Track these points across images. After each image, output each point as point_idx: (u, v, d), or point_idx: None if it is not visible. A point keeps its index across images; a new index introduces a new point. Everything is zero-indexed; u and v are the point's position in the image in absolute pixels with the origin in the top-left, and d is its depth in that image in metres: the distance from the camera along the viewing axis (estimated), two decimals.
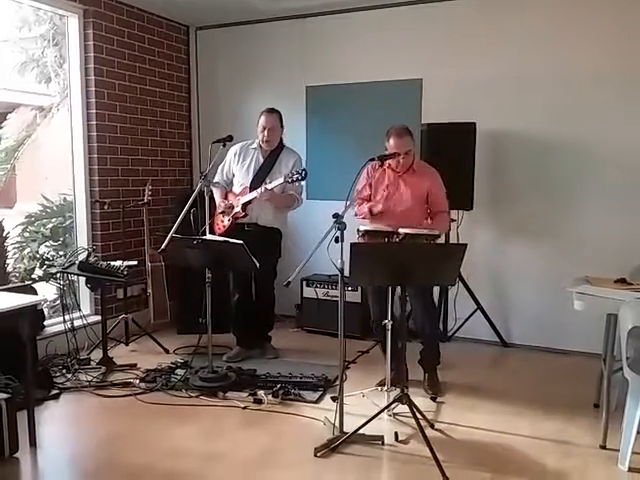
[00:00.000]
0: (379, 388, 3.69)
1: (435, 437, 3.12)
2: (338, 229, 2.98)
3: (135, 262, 4.55)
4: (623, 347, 2.82)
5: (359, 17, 5.10)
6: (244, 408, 3.55)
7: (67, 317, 4.20)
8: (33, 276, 5.57)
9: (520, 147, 4.67)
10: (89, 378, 3.96)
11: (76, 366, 4.12)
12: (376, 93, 5.07)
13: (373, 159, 3.48)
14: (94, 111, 4.81)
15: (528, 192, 4.70)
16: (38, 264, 5.74)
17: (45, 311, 4.59)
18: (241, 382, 3.87)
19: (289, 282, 2.98)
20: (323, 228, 3.06)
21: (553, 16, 4.47)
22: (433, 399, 3.68)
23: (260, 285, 4.43)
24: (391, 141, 3.64)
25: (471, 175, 4.53)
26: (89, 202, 4.89)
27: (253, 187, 4.20)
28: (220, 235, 4.17)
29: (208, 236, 3.98)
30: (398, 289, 3.33)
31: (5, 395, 2.99)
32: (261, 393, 3.68)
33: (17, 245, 5.84)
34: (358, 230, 3.52)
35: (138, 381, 3.91)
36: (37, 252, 5.82)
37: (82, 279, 4.66)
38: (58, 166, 5.39)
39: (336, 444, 3.00)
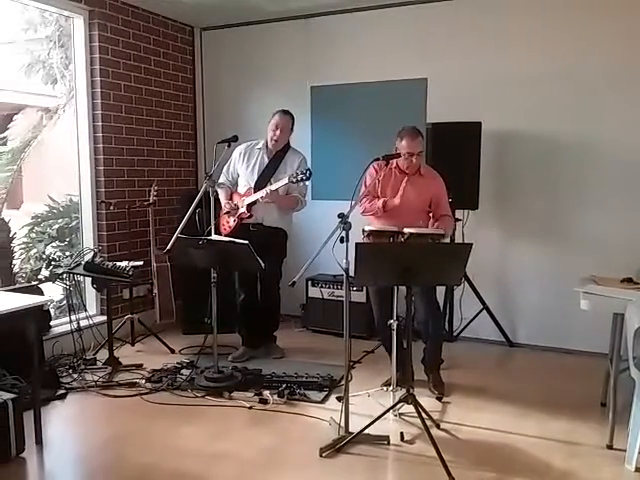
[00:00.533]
0: (385, 388, 3.68)
1: (441, 437, 3.12)
2: (343, 229, 2.98)
3: (141, 262, 4.56)
4: (629, 347, 2.81)
5: (363, 17, 5.09)
6: (250, 408, 3.55)
7: (73, 317, 4.22)
8: (39, 277, 5.60)
9: (525, 147, 4.66)
10: (95, 378, 3.97)
11: (82, 366, 4.15)
12: (381, 93, 5.06)
13: (378, 159, 3.47)
14: (100, 112, 4.83)
15: (534, 191, 4.68)
16: (44, 265, 5.77)
17: (51, 311, 4.60)
18: (247, 382, 3.87)
19: (294, 282, 2.98)
20: (328, 228, 3.06)
21: (558, 16, 4.45)
22: (439, 399, 3.68)
23: (265, 285, 4.43)
24: (404, 142, 3.62)
25: (476, 175, 4.52)
26: (95, 203, 4.90)
27: (258, 187, 4.21)
28: (226, 235, 4.17)
29: (213, 236, 3.98)
30: (402, 289, 3.33)
31: (12, 395, 3.00)
32: (267, 393, 3.69)
33: (23, 246, 5.87)
34: (363, 230, 3.51)
35: (144, 381, 3.92)
36: (43, 253, 5.84)
37: (88, 279, 4.68)
38: (64, 167, 5.41)
39: (342, 444, 3.00)
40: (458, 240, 4.61)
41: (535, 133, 4.60)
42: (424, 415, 3.12)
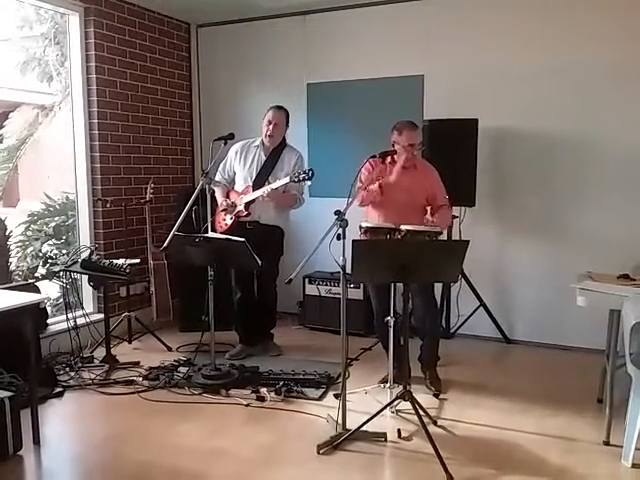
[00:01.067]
0: (382, 385, 3.69)
1: (438, 434, 3.13)
2: (340, 226, 2.98)
3: (137, 260, 4.56)
4: (626, 343, 2.81)
5: (360, 14, 5.08)
6: (247, 405, 3.55)
7: (70, 315, 4.22)
8: (36, 274, 5.59)
9: (522, 144, 4.66)
10: (92, 376, 3.97)
11: (79, 364, 4.14)
12: (377, 90, 5.06)
13: (374, 156, 3.48)
14: (95, 109, 4.82)
15: (530, 188, 4.69)
16: (41, 262, 5.76)
17: (48, 309, 4.60)
18: (244, 379, 3.87)
19: (291, 279, 2.98)
20: (325, 225, 3.06)
21: (556, 12, 4.45)
22: (436, 396, 3.68)
23: (262, 283, 4.43)
24: (404, 134, 3.63)
25: (473, 171, 4.52)
26: (91, 200, 4.89)
27: (256, 185, 4.20)
28: (222, 233, 4.17)
29: (210, 234, 3.98)
30: (400, 285, 3.34)
31: (9, 393, 2.99)
32: (264, 390, 3.69)
33: (20, 244, 5.86)
34: (360, 227, 3.51)
35: (141, 379, 3.92)
36: (40, 250, 5.83)
37: (85, 277, 4.66)
38: (60, 165, 5.41)
39: (339, 441, 3.01)
40: (455, 237, 4.62)
41: (532, 130, 4.61)
42: (421, 412, 3.13)
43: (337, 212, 3.01)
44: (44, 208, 5.97)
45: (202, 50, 5.84)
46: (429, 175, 3.76)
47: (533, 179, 4.68)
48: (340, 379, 3.33)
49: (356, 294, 4.83)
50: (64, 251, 5.72)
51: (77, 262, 4.19)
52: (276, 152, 4.31)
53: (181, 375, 3.93)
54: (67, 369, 4.07)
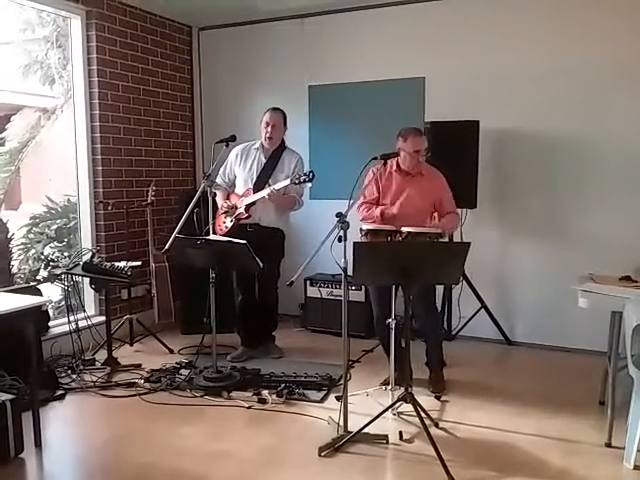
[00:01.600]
0: (384, 387, 3.69)
1: (439, 436, 3.12)
2: (341, 228, 2.98)
3: (139, 263, 4.57)
4: (628, 345, 2.81)
5: (361, 16, 5.09)
6: (248, 408, 3.55)
7: (72, 318, 4.22)
8: (38, 277, 5.59)
9: (524, 145, 4.66)
10: (94, 378, 3.97)
11: (81, 366, 4.14)
12: (379, 92, 5.06)
13: (375, 158, 3.48)
14: (97, 112, 4.83)
15: (532, 190, 4.69)
16: (43, 265, 5.76)
17: (50, 312, 4.59)
18: (245, 382, 3.87)
19: (292, 282, 2.98)
20: (326, 227, 3.06)
21: (557, 14, 4.45)
22: (437, 398, 3.68)
23: (263, 285, 4.43)
24: (409, 141, 3.61)
25: (475, 173, 4.53)
26: (93, 203, 4.90)
27: (257, 188, 4.21)
28: (222, 236, 4.17)
29: (212, 236, 3.98)
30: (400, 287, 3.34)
31: (10, 396, 3.00)
32: (265, 393, 3.69)
33: (22, 246, 5.86)
34: (361, 229, 3.52)
35: (143, 381, 3.93)
36: (42, 253, 5.83)
37: (86, 280, 4.66)
38: (62, 167, 5.41)
39: (340, 443, 3.01)
40: (456, 239, 4.62)
41: (534, 131, 4.61)
42: (423, 414, 3.12)
43: (338, 214, 3.01)
44: (46, 211, 5.97)
45: (203, 53, 5.85)
46: (436, 181, 3.73)
47: (535, 181, 4.67)
48: (342, 381, 3.33)
49: (357, 296, 4.83)
50: (66, 254, 5.72)
51: (79, 265, 4.19)
52: (276, 154, 4.32)
53: (183, 377, 3.94)
54: (69, 372, 4.08)
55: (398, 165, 3.70)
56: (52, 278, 5.24)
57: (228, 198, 4.38)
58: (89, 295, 4.94)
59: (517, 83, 4.61)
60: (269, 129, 4.24)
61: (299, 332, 5.21)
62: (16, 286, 4.67)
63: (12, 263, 5.58)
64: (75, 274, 4.25)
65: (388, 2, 4.96)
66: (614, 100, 4.35)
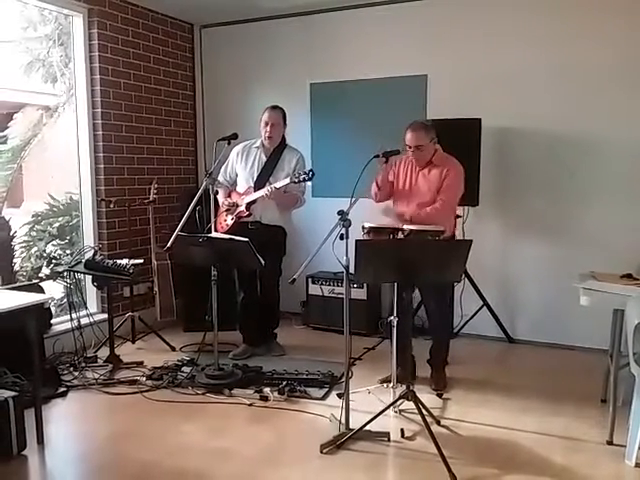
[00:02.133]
0: (385, 385, 3.69)
1: (441, 433, 3.13)
2: (343, 226, 2.99)
3: (141, 260, 4.57)
4: (630, 342, 2.81)
5: (363, 14, 5.08)
6: (250, 405, 3.56)
7: (74, 315, 4.23)
8: (40, 275, 5.60)
9: (525, 143, 4.65)
10: (96, 376, 3.98)
11: (83, 364, 4.15)
12: (381, 90, 5.06)
13: (377, 156, 3.48)
14: (99, 110, 4.83)
15: (534, 188, 4.68)
16: (45, 263, 5.77)
17: (52, 309, 4.60)
18: (247, 379, 3.87)
19: (294, 279, 2.99)
20: (328, 225, 3.07)
21: (560, 12, 4.44)
22: (439, 395, 3.68)
23: (265, 283, 4.44)
24: (407, 135, 3.66)
25: (477, 171, 4.51)
26: (95, 201, 4.91)
27: (257, 186, 4.21)
28: (224, 234, 4.17)
29: (214, 234, 3.99)
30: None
31: (13, 393, 3.01)
32: (267, 390, 3.69)
33: (24, 244, 5.87)
34: (363, 227, 3.52)
35: (145, 378, 3.93)
36: (44, 251, 5.84)
37: (89, 277, 4.68)
38: (64, 165, 5.41)
39: (342, 441, 3.01)
40: (458, 236, 4.61)
41: (535, 129, 4.60)
42: (424, 412, 3.12)
43: (340, 212, 3.02)
44: (48, 208, 5.97)
45: (205, 51, 5.85)
46: (443, 171, 3.67)
47: (537, 178, 4.67)
48: (343, 379, 3.34)
49: (359, 294, 4.84)
50: (68, 251, 5.73)
51: (81, 262, 4.21)
52: (277, 152, 4.32)
53: (185, 375, 3.94)
54: (71, 369, 4.09)
55: None
56: (54, 276, 5.27)
57: (229, 196, 4.39)
58: (91, 293, 4.94)
59: (519, 81, 4.60)
60: (268, 128, 4.24)
61: (301, 330, 5.22)
62: (18, 284, 4.68)
63: (14, 261, 5.59)
64: (77, 272, 4.25)
65: (390, 0, 4.94)
66: (616, 99, 4.34)
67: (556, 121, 4.54)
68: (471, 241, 2.93)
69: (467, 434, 3.20)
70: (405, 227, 3.41)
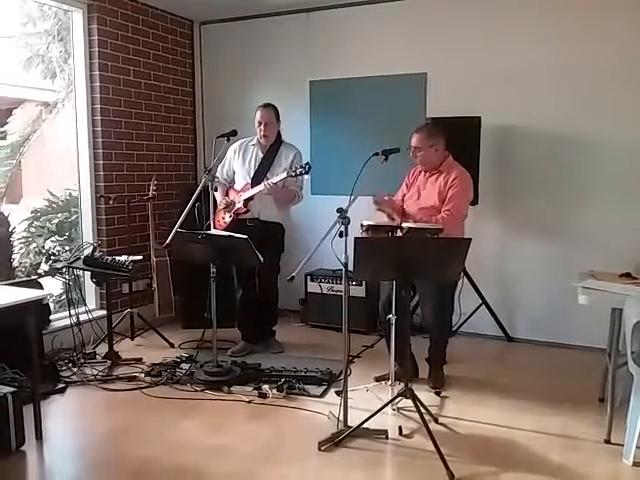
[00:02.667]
0: (383, 382, 3.70)
1: (439, 431, 3.13)
2: (342, 224, 2.99)
3: (140, 257, 4.57)
4: (628, 341, 2.81)
5: (363, 11, 5.08)
6: (249, 402, 3.56)
7: (73, 311, 4.22)
8: (39, 271, 5.59)
9: (525, 142, 4.65)
10: (95, 372, 3.98)
11: (82, 360, 4.16)
12: (380, 87, 5.05)
13: (377, 154, 3.48)
14: (99, 106, 4.82)
15: (533, 187, 4.68)
16: (44, 259, 5.76)
17: (51, 306, 4.60)
18: (246, 376, 3.88)
19: (293, 277, 2.99)
20: (327, 223, 3.07)
21: (561, 11, 4.44)
22: (437, 393, 3.68)
23: (263, 280, 4.44)
24: (412, 137, 3.71)
25: (476, 170, 4.50)
26: (94, 197, 4.90)
27: (255, 182, 4.22)
28: (222, 231, 4.17)
29: (213, 231, 3.99)
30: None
31: (11, 389, 3.01)
32: (266, 387, 3.70)
33: (23, 240, 5.86)
34: (362, 225, 3.52)
35: (143, 375, 3.94)
36: (43, 247, 5.84)
37: (87, 274, 4.67)
38: (63, 161, 5.41)
39: (340, 438, 3.01)
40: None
41: (535, 128, 4.60)
42: (422, 409, 3.13)
43: (339, 210, 3.02)
44: (47, 205, 5.97)
45: (205, 47, 5.84)
46: (448, 178, 3.67)
47: (536, 177, 4.67)
48: (342, 376, 3.34)
49: (358, 292, 4.84)
50: (67, 247, 5.73)
51: (80, 259, 4.20)
52: (273, 149, 4.33)
53: (183, 372, 3.94)
54: (69, 365, 4.09)
55: None
56: (53, 272, 5.26)
57: (227, 194, 4.39)
58: (90, 289, 4.94)
59: (519, 80, 4.60)
60: (262, 127, 4.25)
61: (299, 327, 5.22)
62: (17, 280, 4.68)
63: (13, 257, 5.59)
64: (76, 268, 4.25)
65: None
66: (616, 99, 4.34)
67: (556, 120, 4.54)
68: (470, 239, 2.93)
69: (465, 432, 3.21)
70: (404, 225, 3.41)
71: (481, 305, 4.79)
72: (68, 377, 3.91)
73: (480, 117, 4.52)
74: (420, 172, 3.85)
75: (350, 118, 5.19)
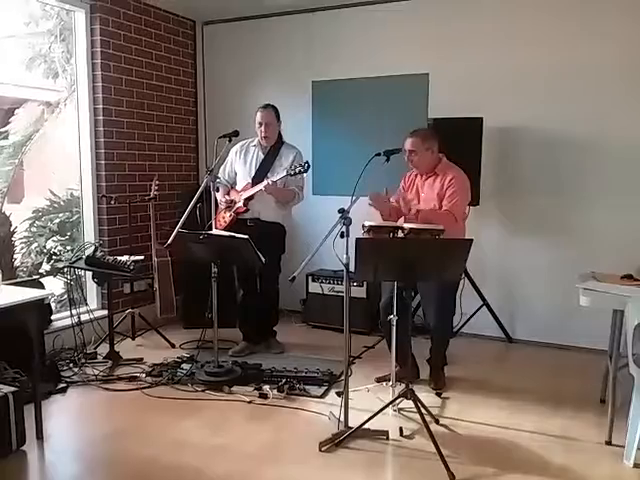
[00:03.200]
0: (384, 383, 3.69)
1: (440, 432, 3.13)
2: (344, 224, 2.99)
3: (141, 257, 4.56)
4: (629, 343, 2.81)
5: (365, 12, 5.08)
6: (249, 402, 3.56)
7: (74, 311, 4.24)
8: (40, 271, 5.60)
9: (527, 142, 4.65)
10: (96, 372, 3.99)
11: (83, 360, 4.16)
12: (382, 88, 5.05)
13: (379, 154, 3.48)
14: (101, 106, 4.83)
15: (535, 187, 4.68)
16: (45, 259, 5.77)
17: (52, 305, 4.61)
18: (246, 377, 3.88)
19: (294, 277, 2.99)
20: (329, 223, 3.07)
21: (563, 11, 4.44)
22: (438, 394, 3.68)
23: (264, 280, 4.44)
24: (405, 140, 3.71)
25: (478, 170, 4.51)
26: (96, 197, 4.91)
27: (255, 182, 4.23)
28: (223, 231, 4.17)
29: (214, 231, 3.99)
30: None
31: (12, 388, 3.01)
32: (266, 388, 3.70)
33: (25, 240, 5.87)
34: (363, 225, 3.52)
35: (144, 375, 3.94)
36: (44, 247, 5.84)
37: (89, 274, 4.69)
38: (65, 161, 5.41)
39: (341, 439, 3.01)
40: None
41: (537, 129, 4.59)
42: (423, 410, 3.13)
43: (341, 210, 3.02)
44: (49, 204, 5.97)
45: (207, 47, 5.85)
46: (445, 179, 3.66)
47: (538, 178, 4.66)
48: (343, 377, 3.34)
49: (359, 292, 4.84)
50: (68, 247, 5.73)
51: (81, 258, 4.21)
52: (274, 150, 4.33)
53: (184, 372, 3.94)
54: (71, 365, 4.09)
55: None
56: (55, 271, 5.27)
57: (228, 195, 4.39)
58: (91, 289, 4.95)
59: (521, 81, 4.59)
60: (263, 128, 4.26)
61: (300, 328, 5.22)
62: (19, 279, 4.68)
63: (15, 256, 5.59)
64: (78, 268, 4.26)
65: None
66: (618, 99, 4.34)
67: (558, 121, 4.53)
68: (472, 240, 2.93)
69: (466, 433, 3.21)
70: (405, 226, 3.40)
71: (482, 306, 4.78)
72: (69, 377, 3.91)
73: (482, 118, 4.51)
74: (416, 176, 3.85)
75: (352, 119, 5.19)
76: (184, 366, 4.04)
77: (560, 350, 4.57)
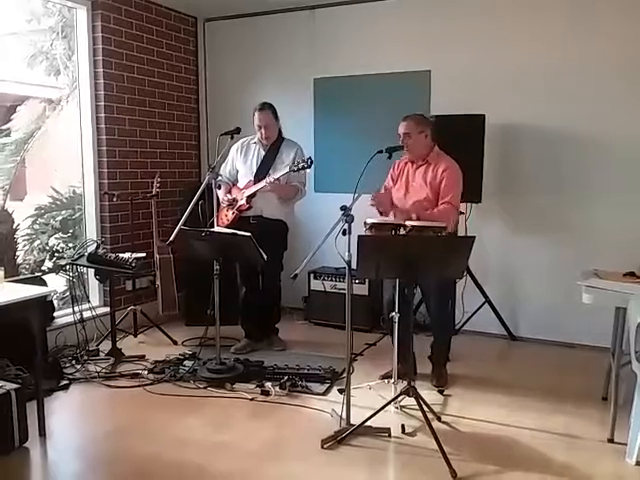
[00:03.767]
0: (386, 380, 3.69)
1: (442, 430, 3.13)
2: (346, 221, 2.98)
3: (144, 254, 4.57)
4: (631, 341, 2.80)
5: (367, 9, 5.07)
6: (251, 399, 3.56)
7: (76, 309, 4.23)
8: (43, 268, 5.60)
9: (529, 140, 4.64)
10: (98, 369, 3.99)
11: (85, 357, 4.17)
12: (384, 85, 5.05)
13: (381, 151, 3.47)
14: (103, 103, 4.83)
15: (537, 185, 4.67)
16: (48, 256, 5.77)
17: (55, 302, 4.62)
18: (249, 374, 3.88)
19: (296, 275, 2.99)
20: (331, 221, 3.06)
21: (566, 10, 4.42)
22: (440, 392, 3.68)
23: (266, 278, 4.44)
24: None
25: (480, 168, 4.50)
26: (98, 194, 4.91)
27: (257, 179, 4.23)
28: (225, 228, 4.17)
29: (216, 228, 3.99)
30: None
31: (15, 385, 3.01)
32: (268, 385, 3.70)
33: (27, 237, 5.87)
34: (365, 223, 3.51)
35: (146, 372, 3.94)
36: (47, 244, 5.85)
37: (91, 271, 4.69)
38: (67, 158, 5.41)
39: (343, 436, 3.01)
40: (461, 233, 4.60)
41: (539, 127, 4.58)
42: (425, 408, 3.13)
43: (343, 207, 3.01)
44: (51, 202, 5.98)
45: (209, 44, 5.84)
46: (439, 169, 3.65)
47: (540, 176, 4.66)
48: (344, 374, 3.34)
49: (361, 290, 4.83)
50: (71, 245, 5.74)
51: (83, 256, 4.21)
52: (274, 147, 4.33)
53: (186, 369, 3.95)
54: (73, 362, 4.10)
55: None
56: (57, 269, 5.27)
57: (230, 192, 4.39)
58: (94, 286, 4.96)
59: (523, 78, 4.58)
60: (263, 131, 4.26)
61: (302, 325, 5.22)
62: (21, 277, 4.69)
63: (17, 254, 5.60)
64: (80, 265, 4.26)
65: None
66: (620, 97, 4.33)
67: (560, 119, 4.52)
68: (474, 237, 2.92)
69: (468, 430, 3.21)
70: (407, 223, 3.40)
71: (484, 303, 4.78)
72: (71, 374, 3.92)
73: (484, 115, 4.50)
74: (406, 164, 3.80)
75: (354, 115, 5.18)
76: (186, 363, 4.05)
77: (562, 348, 4.57)
